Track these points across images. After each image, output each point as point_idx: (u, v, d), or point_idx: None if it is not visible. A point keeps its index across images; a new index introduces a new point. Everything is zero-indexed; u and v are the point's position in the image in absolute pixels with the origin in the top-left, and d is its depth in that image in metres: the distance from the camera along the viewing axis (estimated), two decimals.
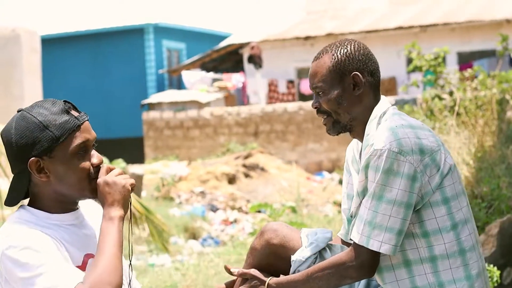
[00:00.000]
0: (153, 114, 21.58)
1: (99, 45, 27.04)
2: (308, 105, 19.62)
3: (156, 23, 26.61)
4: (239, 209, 13.49)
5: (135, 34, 26.72)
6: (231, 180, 15.46)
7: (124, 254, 2.63)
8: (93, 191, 2.46)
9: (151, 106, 22.66)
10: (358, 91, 2.80)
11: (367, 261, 2.68)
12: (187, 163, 17.90)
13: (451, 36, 20.83)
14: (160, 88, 26.41)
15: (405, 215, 2.62)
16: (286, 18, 24.60)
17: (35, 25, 24.83)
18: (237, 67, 24.88)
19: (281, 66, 22.84)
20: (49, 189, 2.45)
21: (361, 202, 2.72)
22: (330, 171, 18.54)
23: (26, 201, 2.54)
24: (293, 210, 10.67)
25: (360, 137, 2.85)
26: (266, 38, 22.98)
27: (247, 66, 23.02)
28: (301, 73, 22.76)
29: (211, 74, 24.29)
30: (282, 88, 22.39)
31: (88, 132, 2.45)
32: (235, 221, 12.51)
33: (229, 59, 25.18)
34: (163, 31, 26.92)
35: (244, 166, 16.18)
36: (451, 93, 8.92)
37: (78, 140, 2.41)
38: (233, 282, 3.03)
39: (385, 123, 2.72)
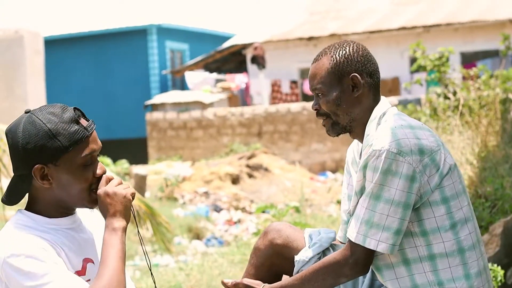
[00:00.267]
0: (156, 115, 21.60)
1: (102, 46, 27.07)
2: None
3: (159, 24, 26.62)
4: (243, 209, 13.50)
5: (138, 35, 26.74)
6: (235, 180, 15.46)
7: (130, 254, 2.64)
8: (93, 201, 2.45)
9: (154, 107, 22.67)
10: (357, 93, 2.81)
11: (361, 259, 2.70)
12: (190, 163, 17.91)
13: (454, 36, 20.82)
14: (164, 89, 26.42)
15: (403, 215, 2.63)
16: (289, 19, 24.61)
17: (38, 26, 24.85)
18: (240, 67, 24.88)
19: (284, 66, 22.85)
20: (49, 195, 2.44)
21: (358, 201, 2.73)
22: (334, 171, 18.54)
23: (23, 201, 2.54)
24: (297, 210, 10.67)
25: (360, 138, 2.86)
26: (269, 38, 22.98)
27: (250, 66, 23.03)
28: (304, 73, 22.76)
29: (214, 75, 24.30)
30: (286, 88, 22.39)
31: (95, 143, 2.43)
32: (239, 221, 12.52)
33: (232, 60, 25.19)
34: (166, 32, 26.94)
35: (248, 166, 16.18)
36: (454, 93, 8.92)
37: (85, 151, 2.39)
38: None
39: (385, 123, 2.73)
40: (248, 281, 2.95)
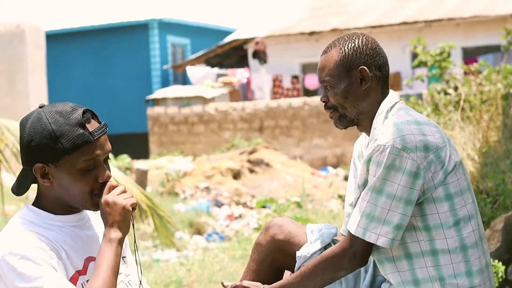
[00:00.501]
0: (157, 110, 21.59)
1: (104, 41, 27.04)
2: (313, 100, 19.62)
3: (161, 18, 26.59)
4: (244, 205, 13.50)
5: (139, 29, 26.72)
6: (236, 175, 15.46)
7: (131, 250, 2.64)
8: (95, 205, 2.44)
9: (155, 102, 22.66)
10: (365, 85, 2.80)
11: (360, 252, 2.70)
12: (192, 158, 17.91)
13: (455, 31, 20.79)
14: (165, 83, 26.41)
15: (404, 210, 2.63)
16: (291, 14, 24.58)
17: (39, 21, 24.84)
18: (242, 62, 24.86)
19: (285, 61, 22.83)
20: (52, 193, 2.45)
21: (360, 194, 2.73)
22: (335, 166, 18.54)
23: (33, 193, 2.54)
24: (298, 205, 10.67)
25: (367, 131, 2.85)
26: (270, 33, 22.96)
27: (252, 61, 23.01)
28: (306, 68, 22.74)
29: (216, 70, 24.28)
30: (287, 83, 22.37)
31: (100, 148, 2.40)
32: (240, 216, 12.52)
33: (233, 55, 25.16)
34: (167, 27, 26.91)
35: (249, 161, 16.19)
36: (456, 88, 8.91)
37: (87, 156, 2.36)
38: None
39: (391, 118, 2.72)
40: (247, 283, 2.95)
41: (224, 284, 2.98)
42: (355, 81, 2.80)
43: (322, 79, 2.84)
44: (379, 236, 2.64)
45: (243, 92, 23.09)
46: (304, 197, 11.35)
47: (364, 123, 2.84)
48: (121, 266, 2.52)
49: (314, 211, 10.83)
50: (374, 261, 2.90)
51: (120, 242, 2.39)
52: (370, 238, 2.66)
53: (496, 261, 4.51)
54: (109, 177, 2.44)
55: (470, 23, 20.75)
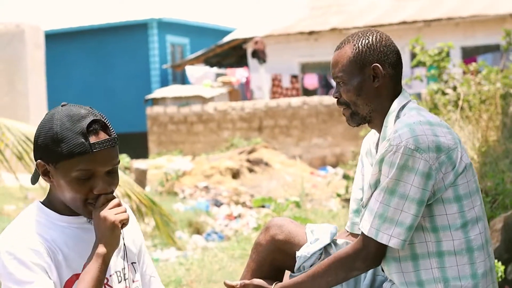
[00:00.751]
0: (157, 109, 21.59)
1: (103, 40, 27.04)
2: (312, 100, 19.63)
3: (160, 18, 26.59)
4: (243, 204, 13.50)
5: (138, 29, 26.71)
6: (235, 175, 15.46)
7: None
8: (89, 213, 2.42)
9: (155, 101, 22.66)
10: (378, 83, 2.79)
11: (373, 253, 2.69)
12: (191, 158, 17.91)
13: (455, 30, 20.80)
14: (164, 83, 26.40)
15: (416, 211, 2.62)
16: (290, 13, 24.57)
17: (39, 20, 24.83)
18: (241, 62, 24.85)
19: (285, 61, 22.82)
20: (55, 191, 2.47)
21: (372, 194, 2.73)
22: (334, 166, 18.53)
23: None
24: (297, 205, 10.68)
25: (379, 128, 2.84)
26: (270, 33, 22.95)
27: (251, 61, 23.00)
28: (305, 68, 22.74)
29: (215, 69, 24.27)
30: (286, 83, 22.36)
31: (101, 161, 2.37)
32: (239, 216, 12.51)
33: (233, 54, 25.15)
34: (166, 26, 26.91)
35: (248, 161, 16.18)
36: (454, 88, 8.91)
37: (82, 166, 2.35)
38: None
39: (403, 117, 2.71)
40: (258, 281, 2.94)
41: (231, 283, 2.97)
42: (368, 78, 2.79)
43: (335, 75, 2.83)
44: (391, 237, 2.64)
45: (242, 92, 23.08)
46: (303, 197, 11.35)
47: (376, 120, 2.83)
48: (128, 273, 2.53)
49: (313, 211, 10.84)
50: None
51: (105, 258, 2.36)
52: (382, 239, 2.65)
53: (496, 260, 4.51)
54: (107, 191, 2.40)
55: (469, 23, 20.76)
